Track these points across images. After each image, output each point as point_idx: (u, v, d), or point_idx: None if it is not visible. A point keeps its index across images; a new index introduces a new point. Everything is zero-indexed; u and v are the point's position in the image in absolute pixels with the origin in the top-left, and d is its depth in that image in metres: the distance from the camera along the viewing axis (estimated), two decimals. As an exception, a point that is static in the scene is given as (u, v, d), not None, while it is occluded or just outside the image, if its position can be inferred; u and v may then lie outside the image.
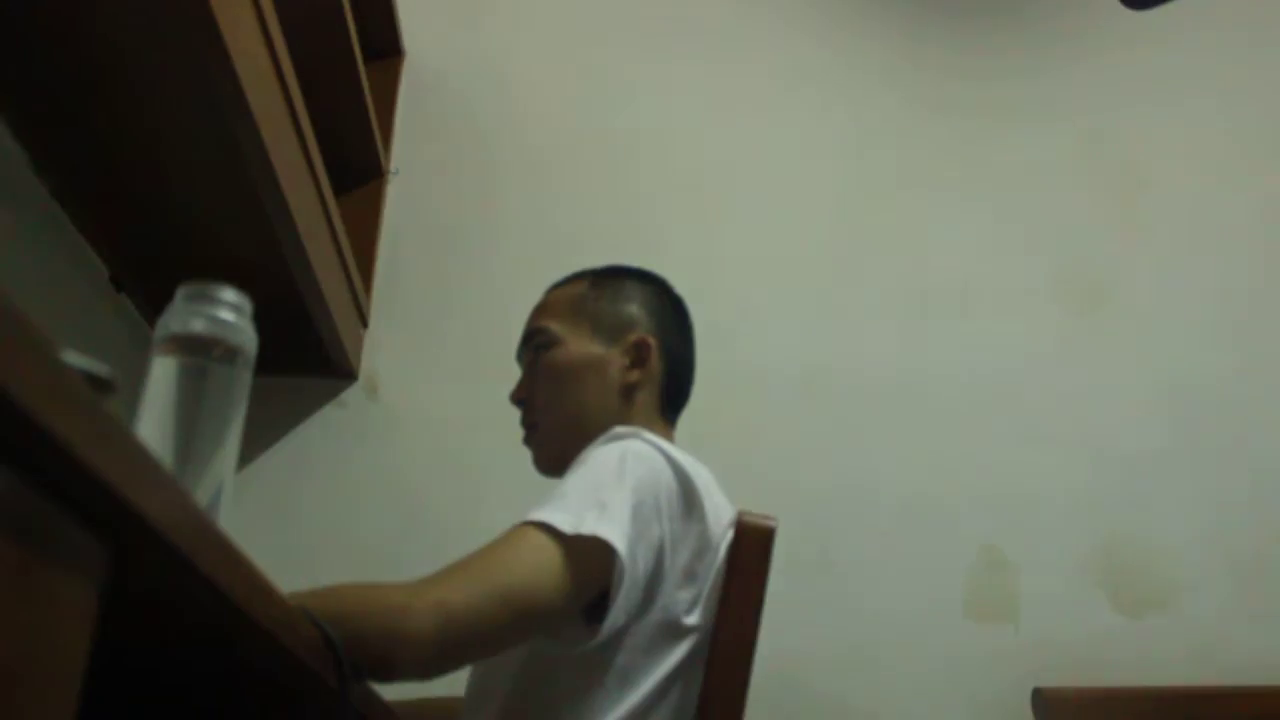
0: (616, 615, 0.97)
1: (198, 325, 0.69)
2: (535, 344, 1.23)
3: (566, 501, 0.97)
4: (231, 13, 1.08)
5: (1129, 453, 2.16)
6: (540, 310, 1.26)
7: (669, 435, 1.23)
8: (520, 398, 1.23)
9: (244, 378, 0.71)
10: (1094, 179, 2.39)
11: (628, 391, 1.19)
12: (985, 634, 2.02)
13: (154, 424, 0.67)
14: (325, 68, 1.73)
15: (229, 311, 0.70)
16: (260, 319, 0.73)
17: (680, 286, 1.31)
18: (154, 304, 1.67)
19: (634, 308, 1.23)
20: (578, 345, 1.20)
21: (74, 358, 0.45)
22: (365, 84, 1.88)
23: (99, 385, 0.48)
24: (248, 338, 0.71)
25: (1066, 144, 2.41)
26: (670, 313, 1.27)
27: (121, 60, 1.19)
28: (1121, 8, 1.95)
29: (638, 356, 1.20)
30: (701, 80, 2.37)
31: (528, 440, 1.23)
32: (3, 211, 1.35)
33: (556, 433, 1.20)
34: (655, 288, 1.28)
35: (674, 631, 1.03)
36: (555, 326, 1.22)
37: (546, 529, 0.94)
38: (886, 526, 2.07)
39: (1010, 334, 2.25)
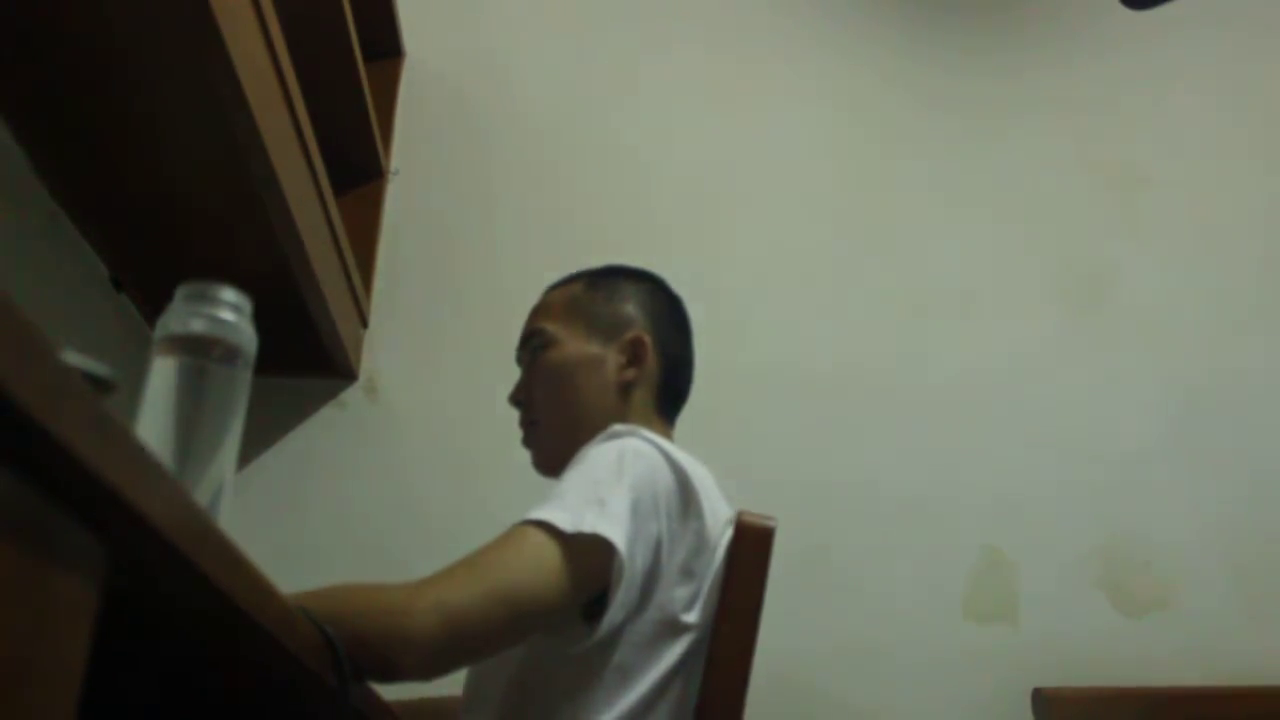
0: (615, 613, 0.97)
1: (198, 325, 0.69)
2: (532, 345, 1.23)
3: (565, 500, 0.97)
4: (231, 13, 1.08)
5: (1129, 453, 2.16)
6: (537, 311, 1.27)
7: (667, 433, 1.23)
8: (519, 398, 1.24)
9: (244, 378, 0.71)
10: (1094, 178, 2.39)
11: (624, 390, 1.20)
12: (985, 634, 2.02)
13: (154, 424, 0.67)
14: (325, 68, 1.74)
15: (229, 311, 0.70)
16: (260, 319, 0.73)
17: (681, 286, 1.31)
18: (154, 304, 1.67)
19: (630, 307, 1.24)
20: (574, 345, 1.21)
21: (74, 358, 0.45)
22: (365, 84, 1.88)
23: (99, 385, 0.48)
24: (248, 338, 0.71)
25: (1066, 143, 2.41)
26: (667, 311, 1.27)
27: (121, 60, 1.19)
28: (1121, 7, 1.95)
29: (634, 355, 1.21)
30: (702, 80, 2.37)
31: (526, 440, 1.23)
32: (3, 211, 1.35)
33: (554, 432, 1.20)
34: (651, 286, 1.28)
35: (673, 629, 1.04)
36: (551, 327, 1.22)
37: (546, 528, 0.94)
38: (886, 526, 2.07)
39: (1010, 333, 2.25)
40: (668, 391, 1.24)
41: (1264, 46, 2.52)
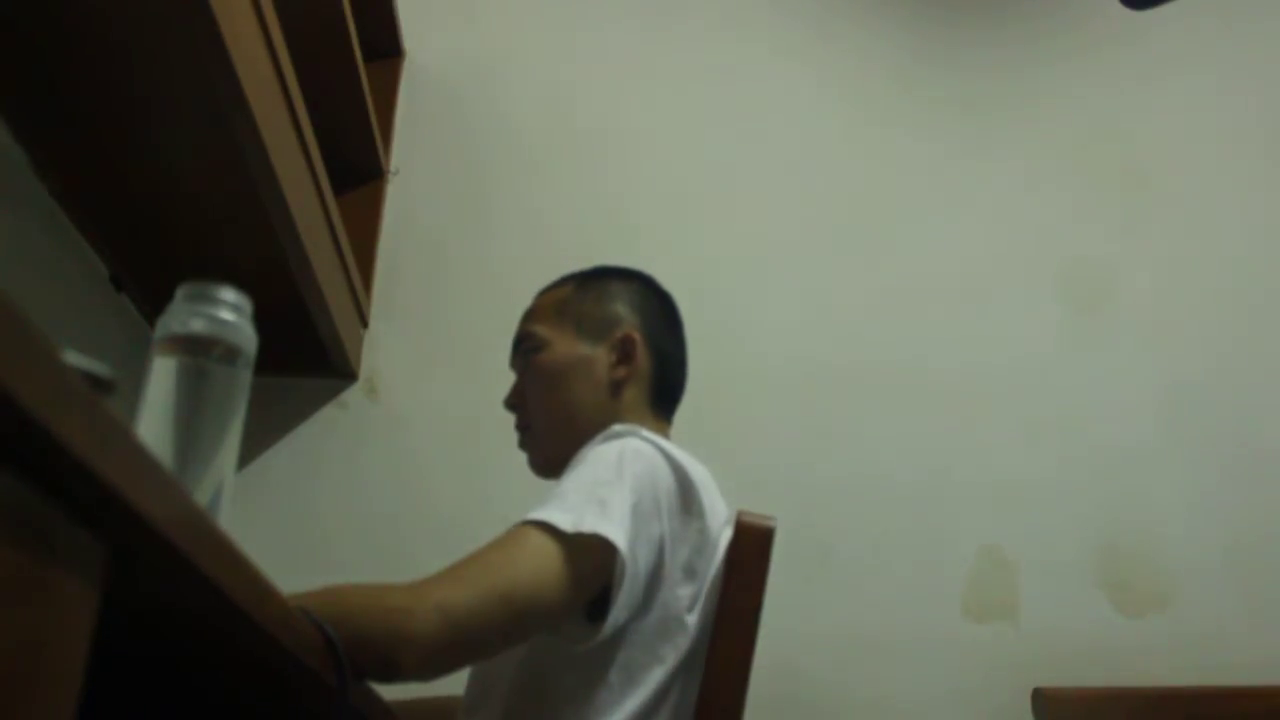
0: (618, 613, 0.97)
1: (198, 325, 0.69)
2: (524, 349, 1.24)
3: (566, 500, 0.97)
4: (231, 13, 1.08)
5: (1130, 451, 2.16)
6: (527, 315, 1.27)
7: (664, 430, 1.23)
8: (514, 402, 1.24)
9: (244, 378, 0.71)
10: (1095, 176, 2.39)
11: (616, 388, 1.20)
12: (985, 633, 2.02)
13: (154, 424, 0.67)
14: (325, 68, 1.74)
15: (229, 311, 0.70)
16: (260, 319, 0.73)
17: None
18: (154, 304, 1.67)
19: (618, 305, 1.24)
20: (564, 347, 1.21)
21: (74, 358, 0.45)
22: (365, 84, 1.88)
23: (99, 385, 0.48)
24: (248, 338, 0.71)
25: (1067, 141, 2.41)
26: (656, 308, 1.27)
27: (122, 60, 1.19)
28: (1121, 7, 1.95)
29: (624, 353, 1.21)
30: (700, 79, 2.37)
31: (523, 443, 1.24)
32: (3, 211, 1.35)
33: (549, 434, 1.20)
34: (640, 284, 1.28)
35: (675, 628, 1.04)
36: (541, 330, 1.23)
37: (547, 528, 0.94)
38: (886, 524, 2.07)
39: (1011, 331, 2.25)
40: (661, 388, 1.24)
41: (1264, 47, 2.52)
